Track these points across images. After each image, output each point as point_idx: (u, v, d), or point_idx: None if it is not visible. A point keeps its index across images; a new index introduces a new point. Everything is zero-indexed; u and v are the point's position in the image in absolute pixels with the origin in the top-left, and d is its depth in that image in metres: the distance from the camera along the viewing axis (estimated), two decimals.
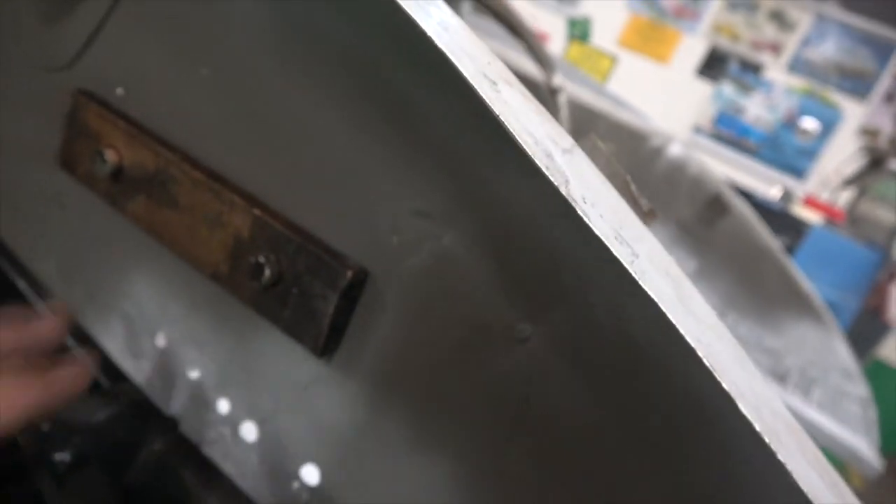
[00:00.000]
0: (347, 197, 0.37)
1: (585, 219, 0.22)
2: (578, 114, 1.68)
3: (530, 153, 0.22)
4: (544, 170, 0.22)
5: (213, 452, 0.45)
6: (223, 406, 0.44)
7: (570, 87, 1.72)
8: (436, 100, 0.30)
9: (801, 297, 1.45)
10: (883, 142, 3.49)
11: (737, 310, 1.49)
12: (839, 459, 1.42)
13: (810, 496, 0.19)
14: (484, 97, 0.23)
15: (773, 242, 1.47)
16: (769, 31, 4.06)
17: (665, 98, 4.22)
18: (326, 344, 0.37)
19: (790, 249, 2.95)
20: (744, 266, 1.50)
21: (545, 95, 1.63)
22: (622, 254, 0.22)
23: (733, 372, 0.21)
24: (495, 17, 1.68)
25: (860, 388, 1.40)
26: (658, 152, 1.58)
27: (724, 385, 0.20)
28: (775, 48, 4.05)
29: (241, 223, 0.39)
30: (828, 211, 3.28)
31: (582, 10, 4.58)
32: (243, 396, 0.43)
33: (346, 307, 0.37)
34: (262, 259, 0.37)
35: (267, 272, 0.37)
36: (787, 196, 3.41)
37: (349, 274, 0.36)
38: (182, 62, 0.42)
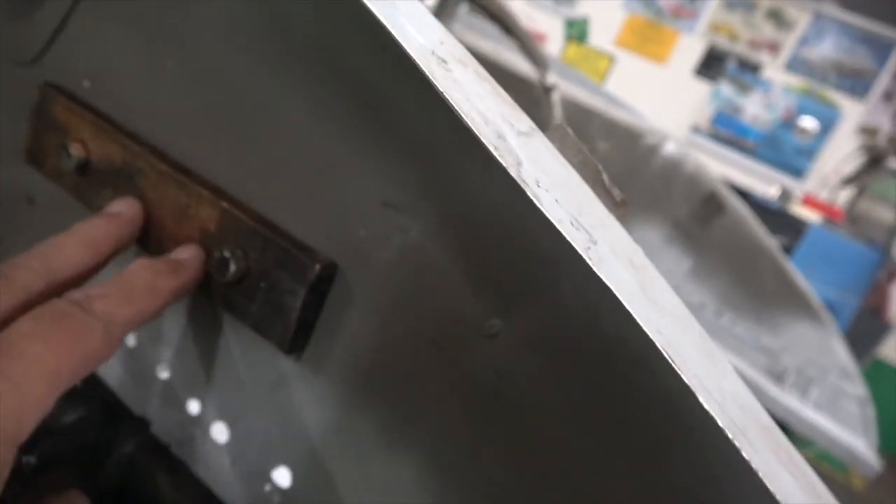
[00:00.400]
0: (315, 189, 0.36)
1: (536, 201, 0.21)
2: (573, 112, 1.68)
3: (477, 132, 0.21)
4: (492, 150, 0.21)
5: (185, 454, 0.44)
6: (193, 406, 0.43)
7: (564, 86, 1.71)
8: (399, 85, 0.29)
9: (799, 297, 1.44)
10: (882, 140, 3.48)
11: (734, 309, 1.48)
12: (838, 459, 1.40)
13: (777, 496, 0.18)
14: (427, 73, 0.21)
15: (769, 241, 1.46)
16: (767, 31, 4.06)
17: (663, 98, 4.21)
18: (294, 340, 0.36)
19: (789, 249, 2.94)
20: (740, 265, 1.48)
21: (539, 93, 1.63)
22: (578, 239, 0.21)
23: (698, 365, 0.20)
24: (489, 16, 1.67)
25: (858, 388, 1.39)
26: (653, 150, 1.57)
27: (685, 378, 0.19)
28: (773, 47, 4.04)
29: (208, 217, 0.38)
30: (827, 210, 3.28)
31: (579, 10, 4.58)
32: (213, 396, 0.42)
33: (315, 302, 0.36)
34: (227, 253, 0.36)
35: (232, 267, 0.36)
36: (786, 195, 3.41)
37: (317, 267, 0.35)
38: (147, 53, 0.41)
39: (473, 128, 0.21)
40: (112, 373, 0.46)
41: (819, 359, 1.40)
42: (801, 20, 3.94)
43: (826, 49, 3.88)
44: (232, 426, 0.41)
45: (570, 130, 0.32)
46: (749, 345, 1.43)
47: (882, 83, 3.73)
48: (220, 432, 0.42)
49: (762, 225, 1.55)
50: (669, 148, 1.56)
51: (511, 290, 0.30)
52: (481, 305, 0.32)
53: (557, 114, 1.53)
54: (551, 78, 1.60)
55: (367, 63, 0.29)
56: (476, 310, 0.32)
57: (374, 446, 0.36)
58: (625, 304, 0.20)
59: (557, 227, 0.21)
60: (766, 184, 3.82)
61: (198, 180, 0.39)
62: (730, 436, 0.18)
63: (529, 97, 1.78)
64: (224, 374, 0.41)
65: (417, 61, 0.22)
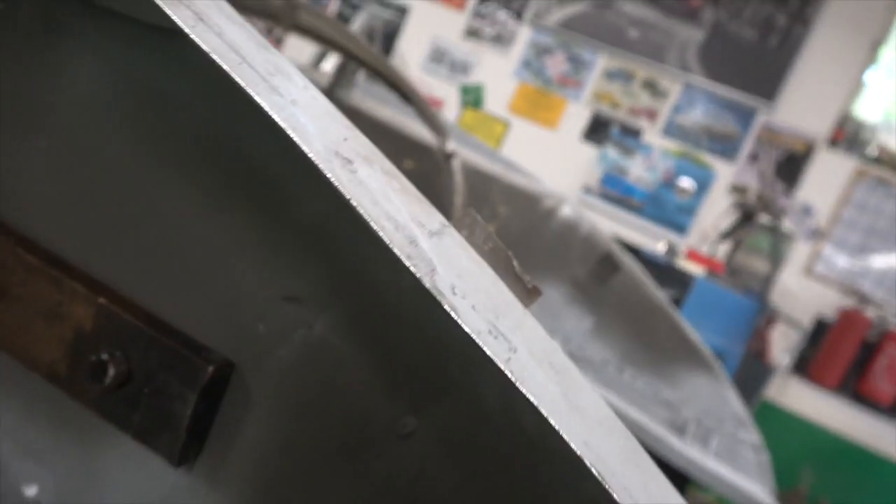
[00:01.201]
0: (208, 282, 0.33)
1: (453, 313, 0.20)
2: (473, 177, 1.71)
3: (388, 240, 0.20)
4: (405, 260, 0.20)
5: None
6: None
7: (463, 152, 1.75)
8: (299, 179, 0.27)
9: (692, 350, 1.50)
10: (751, 197, 3.80)
11: (634, 365, 1.53)
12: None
13: None
14: (334, 181, 0.20)
15: (661, 297, 1.53)
16: (644, 99, 4.39)
17: (555, 160, 4.42)
18: (184, 451, 0.33)
19: (678, 301, 3.10)
20: (637, 321, 1.54)
21: (440, 159, 1.65)
22: (498, 350, 0.20)
23: (625, 475, 0.19)
24: (388, 84, 1.70)
25: (752, 436, 1.46)
26: (550, 213, 1.63)
27: (616, 495, 0.18)
28: (651, 114, 4.37)
29: (83, 314, 0.34)
30: (709, 263, 3.50)
31: (474, 77, 4.77)
32: None
33: (208, 407, 0.33)
34: (105, 356, 0.32)
35: (111, 371, 0.32)
36: (672, 250, 3.62)
37: (210, 369, 0.32)
38: (15, 132, 0.37)
39: (384, 236, 0.20)
40: None
41: (715, 409, 1.46)
42: (674, 90, 4.30)
43: (697, 115, 4.25)
44: None
45: (478, 217, 0.32)
46: (650, 399, 1.47)
47: (747, 145, 4.10)
48: None
49: (653, 279, 1.63)
50: (566, 211, 1.62)
51: (425, 387, 0.29)
52: (394, 404, 0.30)
53: (458, 180, 1.56)
54: (451, 145, 1.63)
55: (265, 156, 0.28)
56: (388, 409, 0.30)
57: None
58: (551, 420, 0.19)
59: (476, 339, 0.19)
60: (654, 239, 4.05)
61: (73, 274, 0.35)
62: None
63: (430, 163, 1.81)
64: (103, 490, 0.37)
65: (321, 167, 0.20)
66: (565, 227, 1.61)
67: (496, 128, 4.68)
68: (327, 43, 1.74)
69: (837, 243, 3.87)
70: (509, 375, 0.19)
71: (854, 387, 3.70)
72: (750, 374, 3.39)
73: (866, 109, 3.90)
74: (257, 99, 0.20)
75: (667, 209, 4.25)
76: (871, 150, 3.83)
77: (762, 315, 3.40)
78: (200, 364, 0.32)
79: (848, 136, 3.91)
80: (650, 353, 1.52)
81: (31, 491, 0.39)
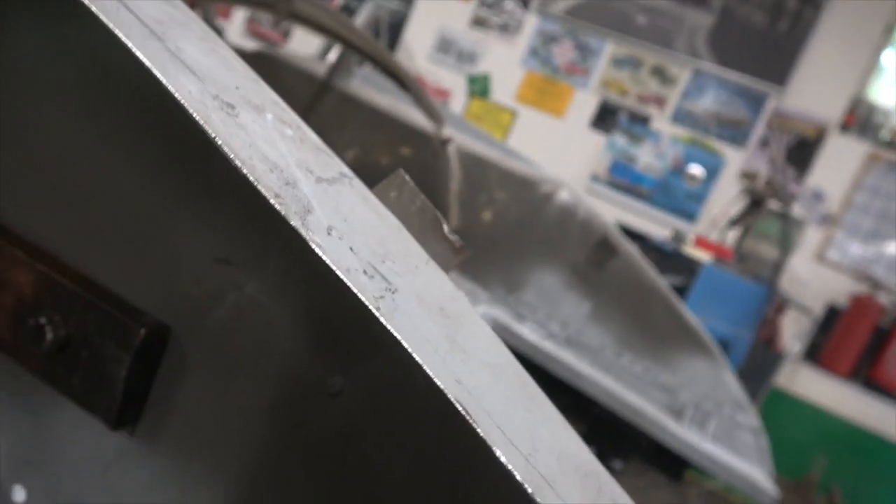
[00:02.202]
0: (143, 245, 0.33)
1: (318, 250, 0.20)
2: (471, 163, 1.71)
3: (253, 179, 0.20)
4: (271, 198, 0.20)
5: None
6: (18, 494, 0.38)
7: (461, 139, 1.74)
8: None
9: (690, 333, 1.49)
10: (761, 183, 3.76)
11: (632, 349, 1.52)
12: (740, 490, 1.44)
13: None
14: (199, 120, 0.20)
15: (659, 281, 1.52)
16: (653, 86, 4.35)
17: (563, 149, 4.40)
18: (122, 413, 0.33)
19: (684, 288, 3.08)
20: (635, 305, 1.53)
21: (436, 146, 1.65)
22: (369, 288, 0.20)
23: (504, 416, 0.19)
24: (385, 72, 1.70)
25: (751, 419, 1.45)
26: (548, 198, 1.62)
27: (480, 430, 0.18)
28: (659, 101, 4.33)
29: (24, 281, 0.35)
30: (717, 250, 3.47)
31: (481, 67, 4.75)
32: (41, 481, 0.38)
33: (144, 369, 0.33)
34: (43, 320, 0.33)
35: (49, 335, 0.33)
36: (680, 237, 3.59)
37: (142, 331, 0.32)
38: None
39: (250, 175, 0.20)
40: None
41: (713, 393, 1.45)
42: (683, 76, 4.26)
43: (706, 102, 4.20)
44: None
45: (408, 178, 0.32)
46: (648, 383, 1.46)
47: (757, 131, 4.06)
48: None
49: (659, 266, 1.62)
50: (563, 195, 1.61)
51: (349, 345, 0.29)
52: (322, 363, 0.30)
53: (454, 165, 1.56)
54: (447, 131, 1.63)
55: (161, 112, 0.28)
56: (317, 368, 0.30)
57: None
58: (413, 355, 0.18)
59: (341, 275, 0.19)
60: (662, 227, 4.03)
61: (14, 241, 0.35)
62: (529, 490, 0.17)
63: (428, 150, 1.81)
64: (53, 455, 0.37)
65: (185, 104, 0.20)
66: (563, 211, 1.60)
67: (503, 117, 4.67)
68: (324, 31, 1.74)
69: (849, 229, 3.82)
70: (374, 312, 0.19)
71: (866, 374, 3.66)
72: (759, 362, 3.36)
73: (880, 93, 3.84)
74: (130, 46, 0.20)
75: (676, 197, 4.22)
76: (885, 134, 3.77)
77: (772, 302, 3.36)
78: (134, 326, 0.32)
79: (860, 120, 3.85)
80: (648, 338, 1.51)
81: None
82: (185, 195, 0.31)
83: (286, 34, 5.08)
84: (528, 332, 1.33)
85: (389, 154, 1.71)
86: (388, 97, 1.95)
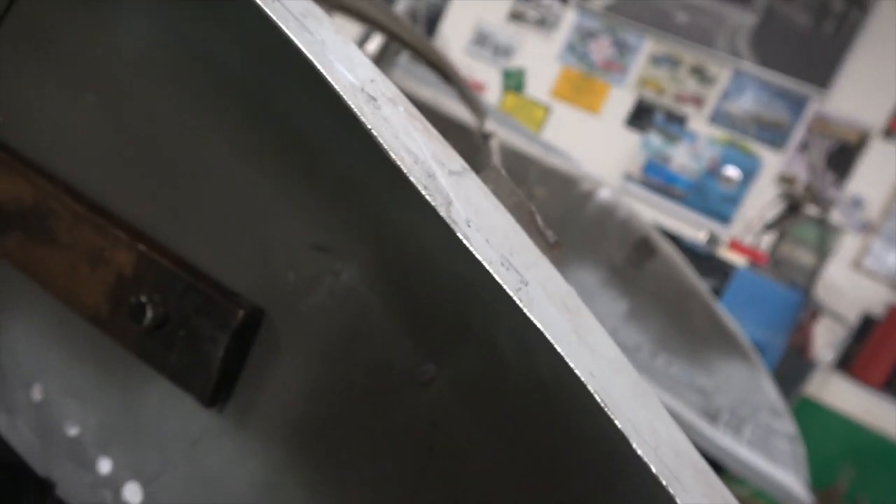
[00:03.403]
0: (241, 231, 0.34)
1: (465, 241, 0.20)
2: (511, 158, 1.71)
3: (406, 170, 0.21)
4: (422, 189, 0.21)
5: None
6: (104, 465, 0.40)
7: (502, 133, 1.74)
8: (328, 124, 0.28)
9: (729, 337, 1.48)
10: (799, 188, 3.69)
11: (668, 350, 1.51)
12: (772, 497, 1.43)
13: None
14: (355, 110, 0.21)
15: (699, 283, 1.51)
16: (691, 86, 4.29)
17: (597, 147, 4.37)
18: (216, 392, 0.34)
19: (717, 291, 3.04)
20: (673, 307, 1.52)
21: (478, 140, 1.65)
22: (508, 280, 0.20)
23: (631, 409, 0.19)
24: (429, 65, 1.70)
25: (788, 426, 1.43)
26: (588, 196, 1.61)
27: (618, 423, 0.18)
28: (697, 101, 4.27)
29: (124, 260, 0.36)
30: (751, 254, 3.42)
31: (516, 61, 4.73)
32: (127, 454, 0.39)
33: (239, 350, 0.34)
34: (143, 299, 0.34)
35: (149, 313, 0.34)
36: (714, 240, 3.54)
37: (240, 314, 0.33)
38: (67, 88, 0.39)
39: (402, 166, 0.20)
40: (14, 430, 0.42)
41: (750, 398, 1.43)
42: (723, 76, 4.19)
43: (746, 103, 4.13)
44: (146, 487, 0.38)
45: (504, 173, 0.32)
46: (684, 385, 1.45)
47: (797, 135, 3.98)
48: (133, 493, 0.39)
49: (692, 268, 1.60)
50: (603, 194, 1.60)
51: (445, 334, 0.29)
52: (414, 351, 0.31)
53: (496, 160, 1.56)
54: (489, 125, 1.63)
55: (295, 102, 0.29)
56: (409, 356, 0.31)
57: None
58: (556, 346, 0.19)
59: (487, 267, 0.20)
60: (695, 229, 3.98)
61: (115, 222, 0.37)
62: (664, 482, 0.18)
63: (469, 144, 1.81)
64: (139, 429, 0.39)
65: (346, 98, 0.21)
66: (603, 210, 1.60)
67: (537, 112, 4.64)
68: (370, 23, 1.74)
69: (889, 237, 3.73)
70: (518, 303, 0.19)
71: None
72: (791, 369, 3.31)
73: None
74: (288, 34, 0.21)
75: (710, 198, 4.16)
76: None
77: (806, 309, 3.31)
78: (232, 308, 0.33)
79: None
80: (685, 339, 1.50)
81: (73, 430, 0.41)
82: (289, 182, 0.32)
83: None
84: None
85: None
86: (429, 89, 1.95)
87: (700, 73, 4.28)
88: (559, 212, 1.64)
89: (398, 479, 0.32)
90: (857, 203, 3.82)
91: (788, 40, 4.04)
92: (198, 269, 0.35)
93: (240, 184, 0.33)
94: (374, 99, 0.22)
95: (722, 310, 1.50)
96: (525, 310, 0.20)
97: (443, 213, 0.21)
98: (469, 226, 0.21)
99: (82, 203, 0.37)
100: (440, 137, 0.24)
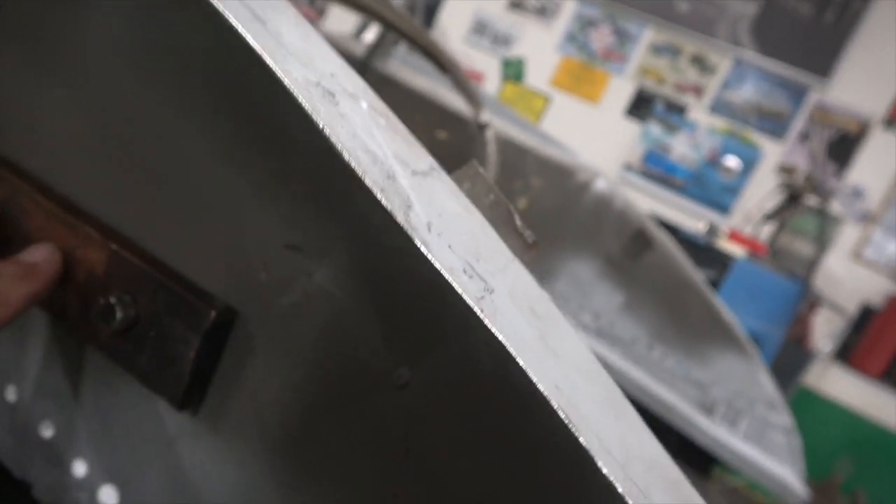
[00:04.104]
0: (213, 229, 0.33)
1: (423, 248, 0.19)
2: (508, 149, 1.69)
3: (360, 172, 0.20)
4: (378, 192, 0.20)
5: None
6: (79, 468, 0.39)
7: (499, 124, 1.73)
8: (292, 124, 0.27)
9: (725, 329, 1.47)
10: (799, 178, 3.67)
11: (665, 342, 1.51)
12: (767, 490, 1.43)
13: None
14: (306, 106, 0.20)
15: (696, 275, 1.50)
16: (691, 75, 4.26)
17: (596, 136, 4.35)
18: (188, 394, 0.33)
19: (716, 282, 3.04)
20: (669, 299, 1.51)
21: (473, 130, 1.64)
22: (470, 289, 0.19)
23: (600, 424, 0.19)
24: (425, 54, 1.69)
25: (784, 418, 1.43)
26: (585, 187, 1.60)
27: (582, 440, 0.17)
28: (697, 91, 4.25)
29: (95, 259, 0.35)
30: (751, 245, 3.41)
31: (516, 51, 4.70)
32: (102, 457, 0.38)
33: (211, 352, 0.33)
34: (113, 299, 0.33)
35: (119, 314, 0.33)
36: (713, 230, 3.53)
37: (212, 314, 0.32)
38: (35, 82, 0.38)
39: (357, 168, 0.20)
40: None
41: (746, 390, 1.43)
42: (723, 65, 4.16)
43: (746, 92, 4.11)
44: (122, 490, 0.38)
45: (482, 170, 0.31)
46: (680, 377, 1.45)
47: (798, 125, 3.96)
48: (108, 496, 0.38)
49: (690, 259, 1.60)
50: (600, 185, 1.59)
51: (419, 338, 0.29)
52: (390, 355, 0.30)
53: (491, 151, 1.54)
54: (485, 116, 1.62)
55: (259, 98, 0.28)
56: (384, 359, 0.30)
57: None
58: (518, 360, 0.18)
59: (447, 276, 0.19)
60: (694, 219, 3.97)
61: (87, 220, 0.36)
62: (630, 502, 0.17)
63: (464, 134, 1.80)
64: (113, 432, 0.38)
65: (296, 94, 0.20)
66: (599, 201, 1.59)
67: (536, 102, 4.62)
68: (365, 11, 1.73)
69: (889, 228, 3.72)
70: (478, 313, 0.19)
71: None
72: (789, 360, 3.31)
73: None
74: (234, 23, 0.20)
75: (710, 189, 4.14)
76: None
77: (805, 300, 3.30)
78: (204, 309, 0.32)
79: None
80: (681, 332, 1.49)
81: (48, 432, 0.40)
82: (260, 179, 0.31)
83: (321, 13, 5.07)
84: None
85: (425, 137, 1.69)
86: (425, 79, 1.94)
87: (700, 63, 4.25)
88: (556, 202, 1.63)
89: (375, 481, 0.31)
90: (857, 193, 3.81)
91: (790, 29, 4.01)
92: (170, 268, 0.34)
93: (211, 180, 0.32)
94: (331, 94, 0.21)
95: (719, 302, 1.49)
96: (486, 321, 0.19)
97: (400, 218, 0.20)
98: (430, 230, 0.20)
99: (54, 200, 0.36)
100: (408, 134, 0.23)
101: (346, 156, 0.20)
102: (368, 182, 0.20)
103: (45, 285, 0.34)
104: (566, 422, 0.18)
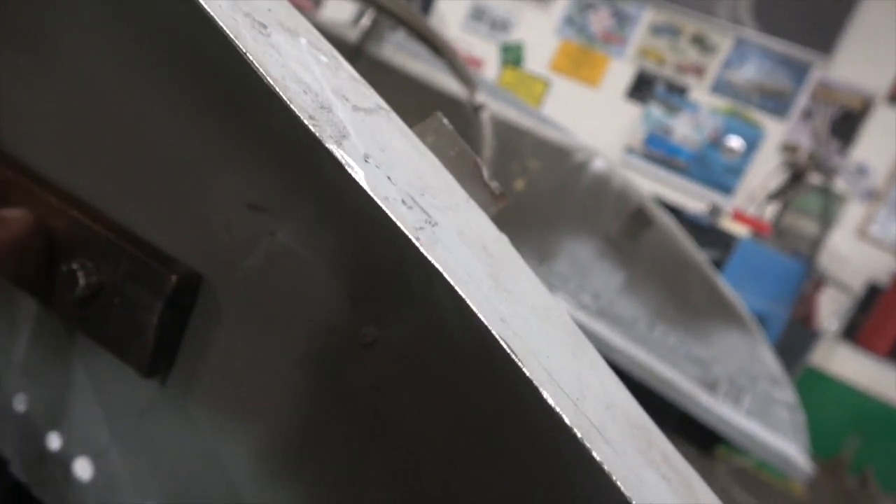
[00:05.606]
0: (174, 191, 0.32)
1: (353, 174, 0.18)
2: (505, 131, 1.68)
3: (287, 99, 0.19)
4: (306, 119, 0.19)
5: (45, 495, 0.39)
6: (54, 441, 0.38)
7: (495, 106, 1.71)
8: (247, 74, 0.26)
9: (727, 307, 1.46)
10: (802, 157, 3.64)
11: (666, 321, 1.49)
12: (774, 466, 1.42)
13: (631, 497, 0.16)
14: (230, 34, 0.19)
15: (696, 253, 1.48)
16: (692, 55, 4.22)
17: (597, 120, 4.32)
18: (154, 361, 0.33)
19: (720, 262, 3.02)
20: (670, 277, 1.50)
21: (469, 113, 1.62)
22: (408, 219, 0.18)
23: (551, 359, 0.18)
24: (418, 37, 1.67)
25: (787, 394, 1.42)
26: (583, 167, 1.59)
27: (527, 371, 0.17)
28: (699, 71, 4.20)
29: (57, 227, 0.34)
30: (755, 224, 3.39)
31: (514, 35, 4.66)
32: (75, 429, 0.38)
33: (176, 318, 0.32)
34: (75, 265, 0.32)
35: (81, 281, 0.32)
36: (716, 211, 3.51)
37: (174, 279, 0.31)
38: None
39: (283, 94, 0.19)
40: None
41: (749, 367, 1.42)
42: (724, 45, 4.12)
43: (748, 71, 4.06)
44: (96, 461, 0.37)
45: (446, 121, 0.30)
46: (682, 356, 1.44)
47: (800, 103, 3.92)
48: (83, 469, 0.37)
49: (693, 239, 1.58)
50: (598, 164, 1.58)
51: (384, 294, 0.28)
52: (355, 312, 0.29)
53: (487, 132, 1.53)
54: (480, 97, 1.60)
55: (193, 35, 0.26)
56: (350, 318, 0.29)
57: (250, 475, 0.33)
58: (454, 285, 0.17)
59: (379, 203, 0.18)
60: (698, 201, 3.94)
61: (47, 187, 0.35)
62: (578, 435, 0.16)
63: (460, 117, 1.78)
64: (87, 403, 0.37)
65: (219, 22, 0.19)
66: (598, 181, 1.57)
67: (536, 87, 4.59)
68: None
69: (894, 205, 3.68)
70: (414, 241, 0.18)
71: None
72: (795, 340, 3.29)
73: None
74: None
75: (713, 170, 4.11)
76: None
77: (810, 278, 3.28)
78: (166, 273, 0.31)
79: None
80: (683, 310, 1.48)
81: (21, 406, 0.40)
82: (215, 136, 0.30)
83: (317, 1, 5.04)
84: (560, 303, 1.31)
85: (421, 120, 1.68)
86: (420, 63, 1.92)
87: (701, 42, 4.20)
88: (554, 183, 1.61)
89: (346, 443, 0.30)
90: (861, 171, 3.77)
91: (790, 6, 3.96)
92: (134, 234, 0.33)
93: (165, 139, 0.31)
94: (262, 25, 0.20)
95: (720, 279, 1.48)
96: (422, 249, 0.18)
97: (330, 145, 0.19)
98: (367, 161, 0.19)
99: (12, 168, 0.36)
100: (354, 75, 0.22)
101: (269, 82, 0.19)
102: (295, 108, 0.19)
103: (8, 237, 0.34)
104: (508, 351, 0.17)
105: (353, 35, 2.02)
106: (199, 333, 0.33)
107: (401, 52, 1.97)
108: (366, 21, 2.55)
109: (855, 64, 3.82)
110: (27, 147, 0.36)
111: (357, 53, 1.83)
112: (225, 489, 0.34)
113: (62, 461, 0.38)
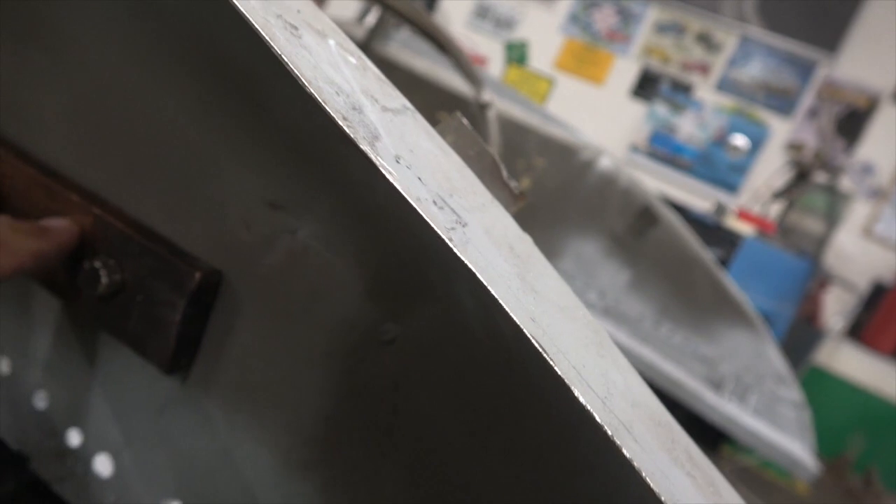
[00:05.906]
0: (195, 189, 0.33)
1: (388, 175, 0.19)
2: (510, 129, 1.68)
3: (321, 100, 0.19)
4: (340, 121, 0.19)
5: (66, 491, 0.39)
6: (74, 438, 0.39)
7: (501, 104, 1.71)
8: (264, 57, 0.26)
9: (733, 305, 1.46)
10: (808, 155, 3.63)
11: (671, 319, 1.50)
12: (779, 465, 1.42)
13: (662, 495, 0.16)
14: (265, 37, 0.19)
15: (702, 252, 1.48)
16: (697, 53, 4.21)
17: (602, 118, 4.31)
18: (176, 358, 0.33)
19: (725, 261, 3.01)
20: (676, 276, 1.50)
21: (475, 111, 1.63)
22: (439, 219, 0.19)
23: (580, 357, 0.18)
24: (423, 34, 1.67)
25: (793, 393, 1.42)
26: (588, 165, 1.59)
27: (558, 369, 0.17)
28: (704, 69, 4.19)
29: (79, 225, 0.35)
30: (760, 223, 3.38)
31: (519, 34, 4.66)
32: (96, 425, 0.38)
33: (198, 315, 0.33)
34: (97, 264, 0.33)
35: (104, 279, 0.33)
36: (721, 210, 3.50)
37: (197, 276, 0.32)
38: (12, 45, 0.37)
39: (318, 96, 0.19)
40: None
41: (755, 365, 1.42)
42: (729, 43, 4.11)
43: (753, 70, 4.05)
44: (116, 458, 0.37)
45: (465, 121, 0.30)
46: (688, 354, 1.44)
47: (806, 101, 3.91)
48: (103, 465, 0.38)
49: (699, 239, 1.58)
50: (604, 163, 1.58)
51: (405, 291, 0.28)
52: (375, 310, 0.29)
53: (493, 130, 1.53)
54: (486, 95, 1.60)
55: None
56: (370, 315, 0.29)
57: (268, 472, 0.33)
58: (490, 288, 0.18)
59: (413, 203, 0.18)
60: (702, 199, 3.93)
61: (68, 184, 0.35)
62: (608, 431, 0.17)
63: (466, 115, 1.78)
64: (107, 399, 0.38)
65: (252, 21, 0.19)
66: (603, 179, 1.57)
67: (540, 85, 4.58)
68: None
69: None
70: (448, 242, 0.18)
71: None
72: (800, 339, 3.29)
73: None
74: None
75: (718, 168, 4.10)
76: None
77: (815, 277, 3.27)
78: (188, 271, 0.32)
79: None
80: (689, 308, 1.48)
81: (42, 403, 0.40)
82: (236, 134, 0.30)
83: None
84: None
85: (427, 118, 1.68)
86: (425, 61, 1.92)
87: (706, 40, 4.19)
88: (559, 181, 1.61)
89: (365, 441, 0.31)
90: (867, 169, 3.76)
91: (796, 4, 3.95)
92: (154, 231, 0.34)
93: (191, 138, 0.32)
94: (294, 27, 0.20)
95: (725, 278, 1.48)
96: (456, 250, 0.18)
97: (364, 146, 0.19)
98: (399, 162, 0.19)
99: (34, 165, 0.36)
100: (380, 76, 0.22)
101: (303, 81, 0.19)
102: (330, 110, 0.19)
103: (54, 247, 0.34)
104: (540, 350, 0.17)
105: (358, 33, 2.02)
106: (220, 330, 0.33)
107: (406, 49, 1.97)
108: (371, 19, 2.55)
109: (861, 62, 3.81)
110: (46, 145, 0.36)
111: (362, 51, 1.83)
112: (243, 486, 0.34)
113: (82, 457, 0.38)
